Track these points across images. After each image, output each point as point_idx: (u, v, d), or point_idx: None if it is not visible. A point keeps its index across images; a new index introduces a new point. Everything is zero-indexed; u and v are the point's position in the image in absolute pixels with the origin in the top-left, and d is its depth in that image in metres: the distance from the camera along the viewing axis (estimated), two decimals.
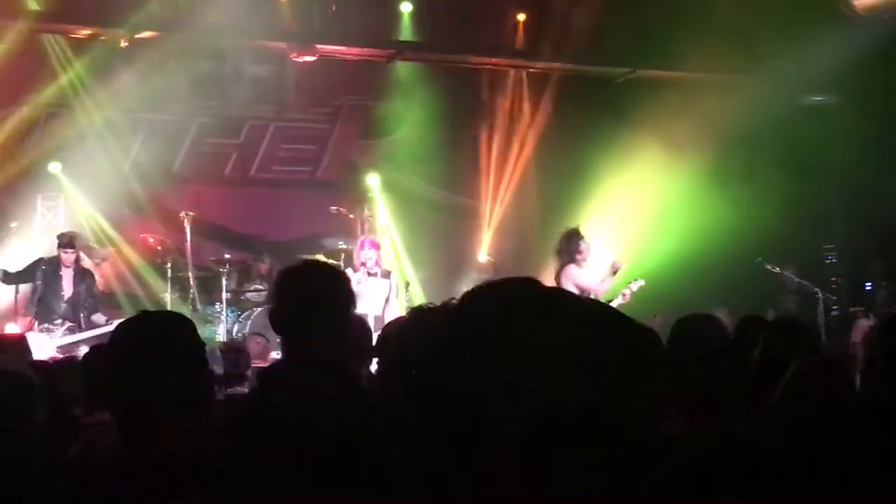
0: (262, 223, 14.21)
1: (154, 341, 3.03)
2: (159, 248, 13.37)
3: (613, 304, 10.90)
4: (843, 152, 14.30)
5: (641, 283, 11.63)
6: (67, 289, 11.94)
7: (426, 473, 1.58)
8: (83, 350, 11.56)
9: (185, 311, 12.86)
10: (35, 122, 14.13)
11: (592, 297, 10.04)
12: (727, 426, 3.60)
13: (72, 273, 12.00)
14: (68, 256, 11.96)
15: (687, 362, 3.71)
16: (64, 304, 11.87)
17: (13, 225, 12.84)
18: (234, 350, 7.75)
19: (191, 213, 13.19)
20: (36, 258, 12.19)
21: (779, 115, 14.57)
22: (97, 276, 12.37)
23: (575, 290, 10.61)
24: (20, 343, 9.10)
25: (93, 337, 11.22)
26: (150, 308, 13.20)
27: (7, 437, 3.65)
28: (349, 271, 11.96)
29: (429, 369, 1.57)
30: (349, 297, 3.64)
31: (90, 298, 12.07)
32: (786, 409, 3.76)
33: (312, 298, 3.54)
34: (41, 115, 14.16)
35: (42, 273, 11.89)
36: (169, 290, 13.06)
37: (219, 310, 12.85)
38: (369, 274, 11.84)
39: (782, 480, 3.43)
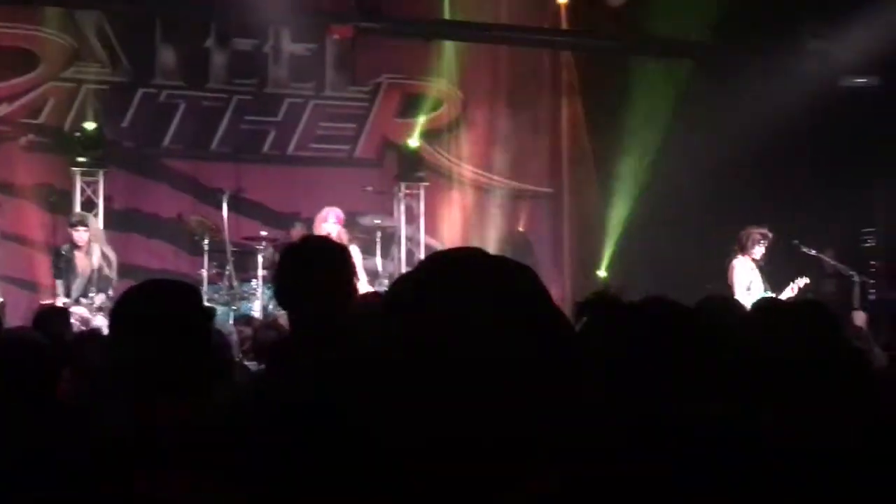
0: (299, 201, 14.23)
1: (156, 311, 3.02)
2: (197, 224, 13.45)
3: (781, 296, 11.64)
4: (884, 135, 14.18)
5: (807, 280, 12.20)
6: (84, 265, 11.91)
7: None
8: None
9: (223, 287, 12.99)
10: (75, 98, 14.24)
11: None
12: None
13: (85, 253, 11.96)
14: (80, 234, 11.95)
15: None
16: (88, 280, 11.92)
17: (51, 199, 12.92)
18: (265, 326, 7.78)
19: (228, 191, 13.27)
20: (55, 250, 12.27)
21: (819, 97, 14.41)
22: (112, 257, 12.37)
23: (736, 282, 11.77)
24: (62, 315, 9.22)
25: None
26: None
27: (30, 405, 3.71)
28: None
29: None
30: (351, 272, 3.69)
31: (103, 277, 12.03)
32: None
33: (314, 273, 3.59)
34: (81, 91, 14.26)
35: (64, 262, 11.93)
36: (206, 267, 13.14)
37: (255, 286, 12.92)
38: None
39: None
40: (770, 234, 12.06)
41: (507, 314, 1.48)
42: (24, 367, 3.82)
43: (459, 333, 1.47)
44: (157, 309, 3.01)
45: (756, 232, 12.04)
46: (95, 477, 2.75)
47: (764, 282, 12.03)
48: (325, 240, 3.88)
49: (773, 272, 12.23)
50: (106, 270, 12.06)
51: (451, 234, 15.31)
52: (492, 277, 1.52)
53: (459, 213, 15.58)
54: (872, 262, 14.96)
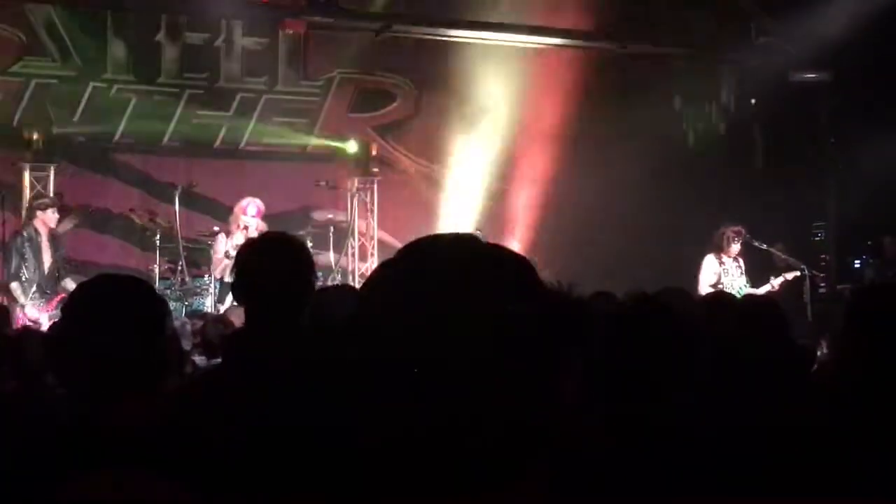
0: (251, 195, 14.18)
1: (108, 305, 2.97)
2: (148, 219, 13.36)
3: (765, 289, 12.35)
4: (834, 129, 14.32)
5: (797, 273, 12.73)
6: (47, 258, 11.91)
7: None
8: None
9: (175, 283, 12.91)
10: (24, 93, 14.10)
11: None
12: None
13: (48, 239, 11.95)
14: (54, 217, 11.94)
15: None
16: (46, 275, 11.87)
17: (3, 193, 12.77)
18: (214, 321, 7.75)
19: (180, 185, 13.19)
20: (13, 232, 12.16)
21: (770, 92, 14.52)
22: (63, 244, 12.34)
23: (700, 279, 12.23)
24: (3, 312, 9.14)
25: None
26: None
27: None
28: (221, 236, 11.93)
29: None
30: (309, 267, 3.69)
31: (65, 264, 12.09)
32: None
33: (271, 269, 3.59)
34: (30, 86, 14.13)
35: (27, 245, 11.85)
36: (158, 262, 13.06)
37: (207, 282, 12.85)
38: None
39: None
40: (744, 232, 12.34)
41: (497, 306, 1.46)
42: None
43: (443, 325, 1.44)
44: (109, 302, 2.98)
45: (730, 230, 12.35)
46: (22, 478, 2.72)
47: (742, 277, 12.26)
48: (284, 235, 3.85)
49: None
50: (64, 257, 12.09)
51: (403, 229, 15.29)
52: (485, 267, 1.50)
53: (412, 208, 15.56)
54: (823, 256, 15.11)
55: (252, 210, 11.73)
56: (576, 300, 1.59)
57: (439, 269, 1.47)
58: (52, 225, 11.95)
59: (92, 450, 2.69)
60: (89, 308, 2.95)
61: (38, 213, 11.98)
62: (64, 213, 12.26)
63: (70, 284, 11.77)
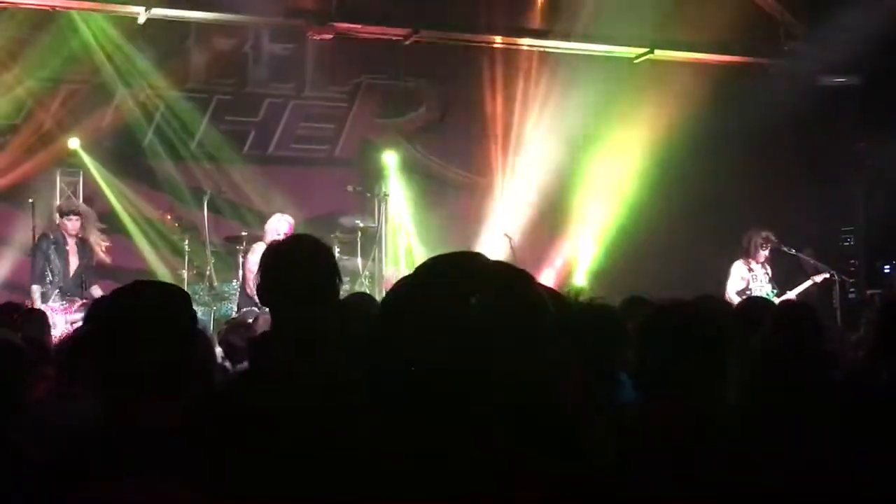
0: (279, 201, 14.23)
1: (142, 312, 2.98)
2: (177, 224, 13.42)
3: (798, 290, 12.46)
4: (863, 134, 14.23)
5: (826, 275, 12.77)
6: (74, 262, 12.01)
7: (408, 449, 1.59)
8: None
9: (203, 288, 12.96)
10: (54, 98, 14.19)
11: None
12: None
13: (75, 244, 12.05)
14: (74, 224, 12.01)
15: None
16: (71, 279, 11.95)
17: (30, 200, 12.84)
18: (242, 326, 7.75)
19: (208, 191, 13.25)
20: (40, 234, 12.23)
21: (799, 96, 14.45)
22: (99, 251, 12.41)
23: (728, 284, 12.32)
24: (43, 318, 9.21)
25: None
26: None
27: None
28: (261, 246, 11.89)
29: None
30: (334, 271, 3.69)
31: (89, 270, 12.16)
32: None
33: (296, 272, 3.59)
34: (61, 91, 14.21)
35: (53, 248, 11.93)
36: (186, 268, 13.12)
37: (235, 287, 12.90)
38: None
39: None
40: (772, 238, 12.32)
41: (507, 320, 1.48)
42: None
43: (458, 340, 1.47)
44: (146, 311, 2.99)
45: (758, 236, 12.32)
46: (49, 481, 2.74)
47: (769, 283, 12.24)
48: (310, 239, 3.85)
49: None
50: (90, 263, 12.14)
51: (430, 234, 15.30)
52: (491, 282, 1.52)
53: (439, 213, 15.55)
54: (852, 261, 15.03)
55: (283, 227, 11.72)
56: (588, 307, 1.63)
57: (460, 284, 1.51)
58: (72, 232, 12.01)
59: (118, 454, 2.70)
60: (125, 313, 2.96)
61: (60, 218, 12.08)
62: (80, 218, 12.25)
63: (97, 292, 11.85)
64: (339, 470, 3.19)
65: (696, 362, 3.48)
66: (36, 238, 12.24)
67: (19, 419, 3.69)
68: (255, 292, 11.12)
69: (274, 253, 3.78)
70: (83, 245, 12.16)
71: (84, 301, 11.76)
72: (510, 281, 1.55)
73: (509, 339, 1.48)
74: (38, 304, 11.41)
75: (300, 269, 3.61)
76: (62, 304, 11.73)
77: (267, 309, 3.89)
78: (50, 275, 11.86)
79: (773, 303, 6.59)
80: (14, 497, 2.79)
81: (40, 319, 9.03)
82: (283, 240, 3.86)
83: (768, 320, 4.82)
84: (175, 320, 3.02)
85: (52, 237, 12.00)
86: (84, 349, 3.81)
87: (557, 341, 1.51)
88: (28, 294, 11.96)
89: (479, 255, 1.59)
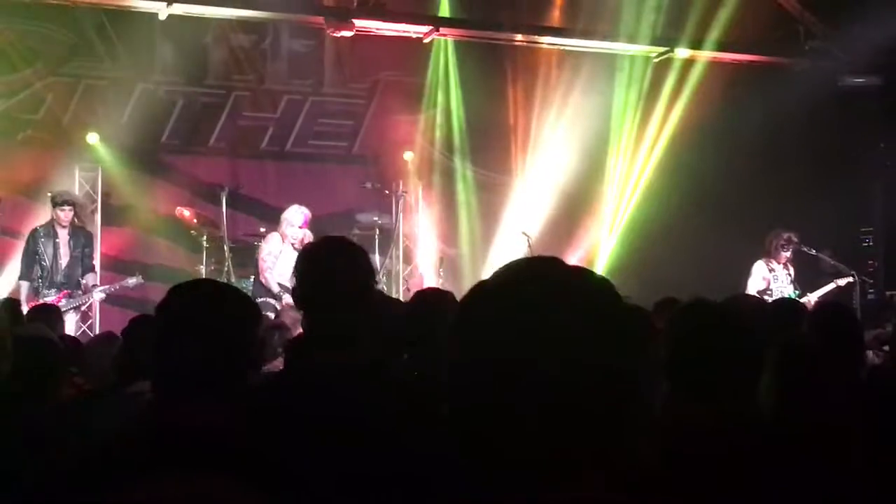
0: (297, 197, 14.22)
1: (206, 309, 2.97)
2: (195, 220, 13.42)
3: (821, 292, 12.41)
4: (883, 134, 14.18)
5: (849, 279, 12.75)
6: (65, 253, 11.94)
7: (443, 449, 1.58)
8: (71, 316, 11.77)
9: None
10: (73, 94, 14.21)
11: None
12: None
13: (67, 234, 11.99)
14: (67, 214, 11.96)
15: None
16: (64, 270, 11.91)
17: (49, 195, 12.85)
18: (271, 326, 7.70)
19: (226, 187, 13.24)
20: (31, 229, 12.21)
21: (818, 97, 14.40)
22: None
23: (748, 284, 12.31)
24: (56, 313, 9.22)
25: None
26: (184, 280, 13.31)
27: (35, 401, 3.69)
28: (275, 236, 11.84)
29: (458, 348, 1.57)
30: (370, 273, 3.67)
31: (86, 259, 12.11)
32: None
33: (332, 274, 3.57)
34: (79, 87, 14.24)
35: (42, 241, 11.92)
36: (204, 263, 13.13)
37: (253, 283, 12.89)
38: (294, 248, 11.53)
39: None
40: (795, 239, 12.30)
41: (585, 328, 1.47)
42: (38, 365, 3.81)
43: (535, 347, 1.45)
44: (216, 312, 2.96)
45: (780, 236, 12.30)
46: (96, 479, 2.73)
47: (791, 285, 12.22)
48: (345, 240, 3.84)
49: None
50: (87, 252, 12.12)
51: (448, 232, 15.31)
52: (570, 290, 1.51)
53: (456, 211, 15.56)
54: (871, 262, 14.99)
55: (299, 220, 11.68)
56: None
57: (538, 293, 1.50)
58: (64, 222, 11.97)
59: (167, 452, 2.69)
60: (187, 311, 2.94)
61: (54, 208, 12.03)
62: (73, 208, 12.23)
63: (91, 280, 11.89)
64: (387, 467, 3.19)
65: (729, 363, 3.46)
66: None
67: (59, 414, 3.69)
68: (269, 282, 11.14)
69: (312, 255, 3.76)
70: (77, 235, 12.11)
71: (74, 291, 11.77)
72: (593, 288, 1.53)
73: (591, 347, 1.46)
74: (24, 300, 11.26)
75: (339, 273, 3.59)
76: (50, 294, 11.70)
77: (284, 301, 3.92)
78: (40, 269, 11.85)
79: (803, 304, 6.56)
80: (58, 494, 2.77)
81: (50, 314, 9.01)
82: (319, 242, 3.82)
83: (802, 321, 4.79)
84: (231, 320, 3.00)
85: (41, 231, 11.99)
86: (142, 343, 3.79)
87: (641, 350, 1.50)
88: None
89: (557, 260, 1.57)
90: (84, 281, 11.99)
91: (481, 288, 1.55)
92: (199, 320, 2.89)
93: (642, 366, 1.50)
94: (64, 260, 11.92)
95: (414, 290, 13.38)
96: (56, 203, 12.01)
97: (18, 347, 3.53)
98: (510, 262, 1.58)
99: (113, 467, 2.71)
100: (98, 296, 12.15)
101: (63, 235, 11.99)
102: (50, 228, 11.98)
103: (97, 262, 12.87)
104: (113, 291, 12.36)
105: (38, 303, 11.17)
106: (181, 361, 2.83)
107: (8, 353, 3.31)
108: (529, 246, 13.97)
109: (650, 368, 1.48)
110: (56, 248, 11.91)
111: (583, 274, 1.55)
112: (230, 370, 2.89)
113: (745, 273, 12.56)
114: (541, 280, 1.51)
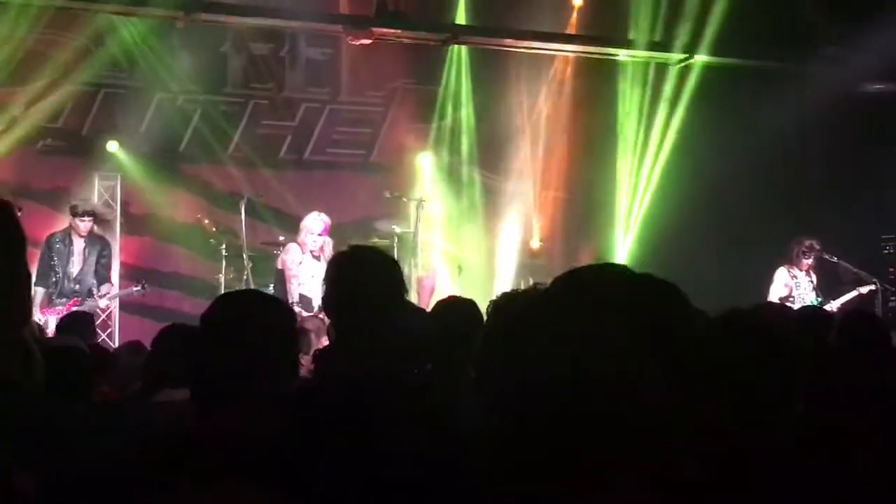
0: (315, 205, 14.23)
1: (254, 321, 2.97)
2: (214, 228, 13.45)
3: (843, 300, 12.28)
4: None
5: (871, 287, 12.65)
6: (78, 262, 11.92)
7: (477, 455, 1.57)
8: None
9: None
10: (93, 103, 14.25)
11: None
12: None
13: (84, 242, 11.98)
14: (86, 225, 11.95)
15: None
16: (74, 279, 11.91)
17: (70, 205, 12.87)
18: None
19: (245, 195, 13.26)
20: (47, 235, 12.20)
21: (837, 102, 14.35)
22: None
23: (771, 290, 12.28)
24: (88, 322, 9.22)
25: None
26: (204, 289, 13.36)
27: (69, 411, 3.69)
28: (294, 247, 11.75)
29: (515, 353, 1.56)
30: (400, 282, 3.67)
31: (101, 269, 12.07)
32: None
33: (362, 283, 3.57)
34: (99, 96, 14.28)
35: (57, 249, 11.92)
36: (223, 272, 13.14)
37: (272, 291, 12.89)
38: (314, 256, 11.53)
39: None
40: (817, 246, 12.27)
41: (650, 335, 1.46)
42: (68, 375, 3.81)
43: (598, 354, 1.44)
44: (261, 322, 2.97)
45: (802, 242, 12.29)
46: (136, 485, 2.73)
47: (812, 292, 12.17)
48: (374, 250, 3.84)
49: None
50: (103, 262, 12.11)
51: (465, 240, 15.30)
52: (636, 297, 1.50)
53: (474, 219, 15.55)
54: (892, 269, 14.91)
55: (318, 227, 11.63)
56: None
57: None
58: (83, 233, 11.96)
59: (208, 459, 2.70)
60: (235, 322, 2.95)
61: (73, 218, 12.03)
62: (93, 220, 12.24)
63: (105, 290, 11.88)
64: (415, 477, 3.19)
65: (765, 371, 3.45)
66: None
67: (101, 420, 3.69)
68: (292, 292, 11.09)
69: (342, 265, 3.75)
70: (93, 243, 12.10)
71: (86, 300, 11.78)
72: (656, 296, 1.52)
73: (652, 357, 1.45)
74: (38, 306, 11.23)
75: (372, 284, 3.59)
76: (61, 303, 11.70)
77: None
78: (54, 275, 11.86)
79: (829, 312, 6.53)
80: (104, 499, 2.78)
81: (82, 323, 9.02)
82: (349, 251, 3.81)
83: (829, 329, 4.77)
84: (275, 331, 3.00)
85: (56, 237, 11.99)
86: (171, 353, 3.81)
87: (703, 361, 1.49)
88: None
89: (623, 267, 1.56)
90: (98, 291, 11.97)
91: (536, 297, 1.54)
92: (242, 330, 2.89)
93: (693, 373, 1.49)
94: (77, 268, 11.92)
95: (424, 295, 13.46)
96: (76, 213, 12.01)
97: (49, 357, 3.53)
98: (571, 270, 1.56)
99: (148, 475, 2.71)
100: (103, 302, 12.14)
101: (79, 244, 11.98)
102: (66, 236, 11.99)
103: (115, 271, 12.88)
104: (115, 296, 12.41)
105: (69, 309, 11.18)
106: (223, 370, 2.83)
107: (38, 363, 3.31)
108: (539, 251, 13.97)
109: (701, 374, 1.46)
110: (70, 255, 11.92)
111: (643, 281, 1.54)
112: (272, 380, 2.89)
113: (765, 280, 12.53)
114: (598, 288, 1.50)
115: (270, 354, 2.88)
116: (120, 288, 12.78)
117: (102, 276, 12.10)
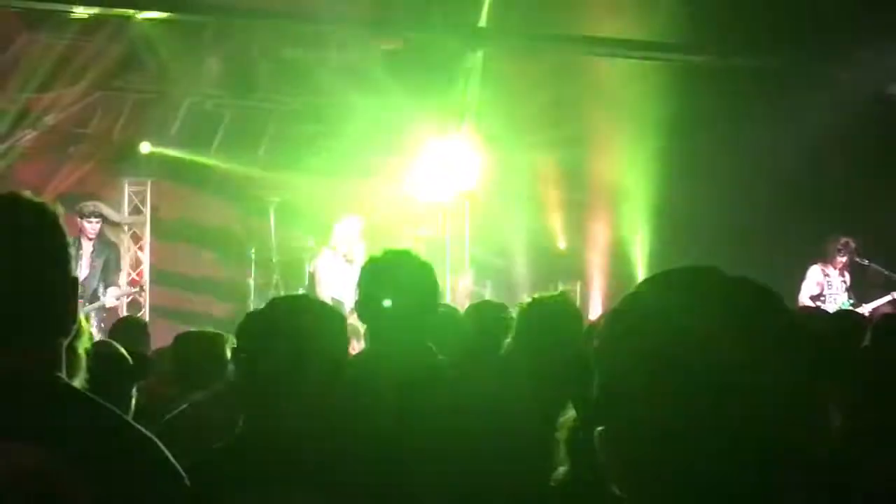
0: (346, 210, 14.26)
1: (301, 326, 3.00)
2: (244, 233, 13.49)
3: (875, 304, 12.19)
4: None
5: None
6: (85, 265, 11.88)
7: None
8: None
9: (270, 296, 12.98)
10: (123, 108, 14.30)
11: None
12: None
13: (92, 246, 11.98)
14: (94, 226, 11.96)
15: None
16: (80, 283, 11.82)
17: (78, 206, 12.91)
18: None
19: (275, 199, 13.28)
20: None
21: (867, 106, 14.29)
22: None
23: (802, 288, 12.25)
24: (140, 328, 9.18)
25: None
26: (234, 293, 13.40)
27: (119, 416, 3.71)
28: (326, 252, 11.72)
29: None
30: (434, 286, 3.67)
31: (108, 273, 12.03)
32: None
33: (396, 288, 3.57)
34: (129, 101, 14.32)
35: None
36: (253, 276, 13.16)
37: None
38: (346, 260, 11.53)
39: None
40: (851, 244, 12.19)
41: (748, 341, 1.44)
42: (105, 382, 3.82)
43: (695, 359, 1.42)
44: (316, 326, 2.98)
45: (839, 239, 12.23)
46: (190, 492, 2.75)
47: (845, 293, 12.10)
48: (409, 254, 3.84)
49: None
50: (112, 265, 12.11)
51: (494, 244, 15.27)
52: (731, 301, 1.48)
53: (501, 223, 15.51)
54: None
55: (351, 231, 11.62)
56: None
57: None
58: (90, 235, 11.96)
59: (258, 465, 2.72)
60: (285, 324, 2.97)
61: (80, 220, 12.00)
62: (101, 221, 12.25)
63: (112, 293, 11.89)
64: (449, 481, 3.19)
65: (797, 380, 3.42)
66: None
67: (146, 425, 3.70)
68: (323, 296, 11.11)
69: (376, 268, 3.75)
70: (102, 247, 12.10)
71: (89, 303, 11.69)
72: (756, 302, 1.50)
73: (757, 368, 1.43)
74: None
75: (406, 287, 3.59)
76: None
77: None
78: None
79: (864, 316, 6.45)
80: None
81: (135, 329, 8.98)
82: (384, 255, 3.81)
83: (864, 333, 4.74)
84: (338, 340, 3.03)
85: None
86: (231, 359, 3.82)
87: (811, 372, 1.48)
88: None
89: (716, 270, 1.54)
90: (104, 294, 11.94)
91: (635, 301, 1.50)
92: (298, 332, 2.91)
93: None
94: (83, 272, 11.90)
95: (458, 298, 13.43)
96: (83, 214, 11.99)
97: (90, 361, 3.55)
98: (667, 271, 1.53)
99: (209, 480, 2.73)
100: (110, 301, 12.04)
101: (87, 247, 11.96)
102: (75, 240, 12.00)
103: (131, 274, 12.90)
104: (122, 295, 12.44)
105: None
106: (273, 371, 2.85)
107: (82, 367, 3.34)
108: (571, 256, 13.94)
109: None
110: (78, 260, 11.91)
111: (743, 285, 1.52)
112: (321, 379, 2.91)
113: (797, 278, 12.46)
114: (701, 290, 1.48)
115: (325, 355, 2.90)
116: (158, 294, 12.80)
117: (109, 281, 12.06)
